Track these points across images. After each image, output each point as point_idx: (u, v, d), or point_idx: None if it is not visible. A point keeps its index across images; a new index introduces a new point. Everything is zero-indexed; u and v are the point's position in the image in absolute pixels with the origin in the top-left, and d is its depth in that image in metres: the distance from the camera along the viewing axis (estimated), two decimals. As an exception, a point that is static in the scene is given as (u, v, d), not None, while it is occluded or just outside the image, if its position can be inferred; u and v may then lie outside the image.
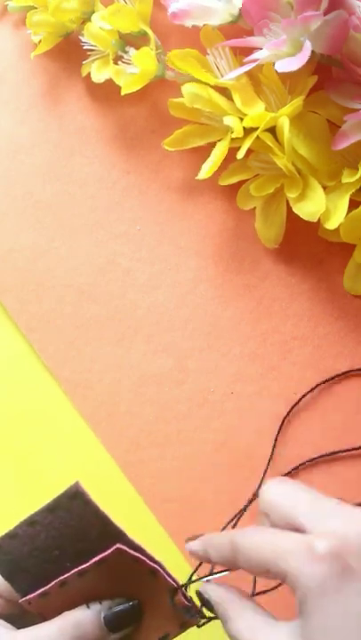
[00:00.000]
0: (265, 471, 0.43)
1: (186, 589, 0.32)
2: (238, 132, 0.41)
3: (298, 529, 0.27)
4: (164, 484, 0.44)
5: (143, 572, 0.32)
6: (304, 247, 0.45)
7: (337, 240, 0.41)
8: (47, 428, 0.47)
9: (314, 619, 0.24)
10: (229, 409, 0.44)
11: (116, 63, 0.47)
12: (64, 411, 0.47)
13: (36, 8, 0.50)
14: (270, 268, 0.45)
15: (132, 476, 0.45)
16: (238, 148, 0.41)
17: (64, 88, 0.51)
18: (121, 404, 0.46)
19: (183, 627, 0.32)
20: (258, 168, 0.43)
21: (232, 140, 0.42)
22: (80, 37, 0.49)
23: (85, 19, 0.49)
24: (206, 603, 0.30)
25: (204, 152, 0.43)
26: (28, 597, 0.32)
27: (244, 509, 0.42)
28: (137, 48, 0.46)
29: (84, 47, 0.48)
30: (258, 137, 0.41)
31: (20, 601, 0.32)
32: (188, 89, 0.42)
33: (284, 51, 0.40)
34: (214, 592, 0.30)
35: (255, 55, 0.40)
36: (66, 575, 0.32)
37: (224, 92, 0.43)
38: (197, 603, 0.31)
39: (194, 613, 0.32)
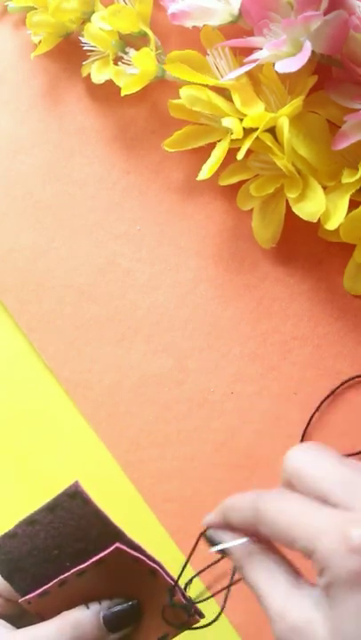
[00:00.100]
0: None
1: (185, 589, 0.32)
2: (238, 134, 0.41)
3: (328, 502, 0.25)
4: (164, 484, 0.44)
5: (142, 571, 0.32)
6: (304, 247, 0.45)
7: (337, 240, 0.41)
8: (47, 427, 0.47)
9: (342, 607, 0.23)
10: (229, 409, 0.44)
11: (116, 64, 0.47)
12: (64, 410, 0.47)
13: (36, 8, 0.50)
14: (270, 269, 0.45)
15: (133, 476, 0.45)
16: (238, 149, 0.41)
17: (64, 88, 0.51)
18: (121, 403, 0.46)
19: (182, 626, 0.32)
20: (258, 168, 0.43)
21: (232, 140, 0.42)
22: (80, 38, 0.49)
23: (85, 19, 0.49)
24: (220, 549, 0.29)
25: (204, 153, 0.43)
26: (27, 597, 0.32)
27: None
28: (137, 49, 0.46)
29: (84, 48, 0.48)
30: (258, 137, 0.41)
31: (20, 600, 0.32)
32: (186, 91, 0.42)
33: (285, 51, 0.40)
34: (229, 537, 0.28)
35: (255, 55, 0.40)
36: (65, 575, 0.32)
37: (224, 92, 0.43)
38: (193, 598, 0.31)
39: (193, 613, 0.32)
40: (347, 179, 0.40)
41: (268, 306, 0.45)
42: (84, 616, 0.31)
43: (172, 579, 0.32)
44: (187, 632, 0.32)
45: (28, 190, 0.50)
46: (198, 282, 0.46)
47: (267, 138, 0.41)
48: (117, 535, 0.32)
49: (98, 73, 0.48)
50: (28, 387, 0.48)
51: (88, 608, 0.32)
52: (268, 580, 0.26)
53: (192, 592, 0.32)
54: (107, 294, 0.47)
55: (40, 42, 0.51)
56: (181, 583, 0.32)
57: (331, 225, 0.40)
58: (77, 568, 0.31)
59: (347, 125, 0.40)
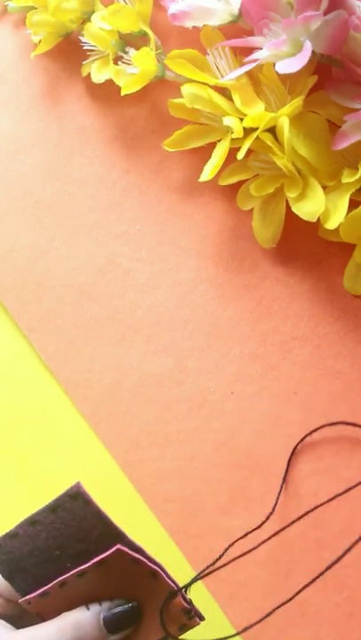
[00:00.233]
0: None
1: (186, 592, 0.32)
2: (238, 133, 0.41)
3: None
4: (164, 484, 0.44)
5: (143, 573, 0.32)
6: (304, 247, 0.45)
7: (337, 240, 0.41)
8: (47, 427, 0.47)
9: None
10: (229, 409, 0.44)
11: (116, 63, 0.47)
12: (64, 410, 0.47)
13: (36, 8, 0.50)
14: (270, 269, 0.45)
15: (132, 476, 0.45)
16: (238, 149, 0.41)
17: (64, 88, 0.51)
18: (121, 403, 0.46)
19: (182, 629, 0.32)
20: (258, 168, 0.43)
21: (232, 140, 0.42)
22: (80, 37, 0.49)
23: (85, 19, 0.49)
24: None
25: (205, 152, 0.43)
26: (27, 597, 0.32)
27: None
28: (137, 48, 0.46)
29: (84, 47, 0.48)
30: (258, 137, 0.41)
31: (20, 601, 0.32)
32: (187, 89, 0.42)
33: (285, 51, 0.40)
34: None
35: (255, 55, 0.40)
36: (66, 575, 0.32)
37: (224, 92, 0.43)
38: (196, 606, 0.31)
39: (193, 616, 0.32)
40: (347, 178, 0.40)
41: (268, 306, 0.45)
42: (84, 617, 0.31)
43: (174, 582, 0.32)
44: (187, 633, 0.32)
45: (28, 190, 0.50)
46: (198, 282, 0.46)
47: (267, 138, 0.41)
48: (118, 536, 0.32)
49: (98, 72, 0.48)
50: (27, 387, 0.48)
51: (88, 609, 0.32)
52: None
53: (192, 594, 0.32)
54: (107, 294, 0.47)
55: (40, 41, 0.51)
56: (181, 584, 0.32)
57: (331, 225, 0.40)
58: (78, 569, 0.31)
59: (347, 125, 0.40)
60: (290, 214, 0.41)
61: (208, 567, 0.32)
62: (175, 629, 0.32)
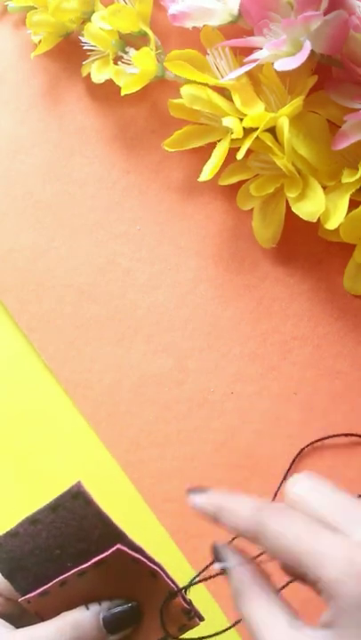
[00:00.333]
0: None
1: (186, 592, 0.32)
2: (238, 133, 0.41)
3: (328, 527, 0.25)
4: (164, 484, 0.44)
5: (143, 573, 0.32)
6: (304, 247, 0.45)
7: (337, 240, 0.41)
8: (47, 427, 0.47)
9: (351, 636, 0.23)
10: (229, 409, 0.44)
11: (116, 63, 0.47)
12: (64, 410, 0.47)
13: (36, 8, 0.50)
14: (270, 269, 0.45)
15: (133, 476, 0.45)
16: (238, 149, 0.41)
17: (64, 88, 0.51)
18: (121, 403, 0.46)
19: (182, 630, 0.32)
20: (258, 168, 0.43)
21: (232, 140, 0.42)
22: (80, 37, 0.49)
23: (85, 19, 0.49)
24: (222, 570, 0.28)
25: (204, 152, 0.43)
26: (27, 596, 0.32)
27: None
28: (137, 48, 0.46)
29: (84, 47, 0.48)
30: (258, 137, 0.41)
31: (20, 600, 0.32)
32: (186, 90, 0.42)
33: (284, 51, 0.40)
34: (231, 559, 0.28)
35: (255, 55, 0.40)
36: (66, 575, 0.32)
37: (224, 92, 0.43)
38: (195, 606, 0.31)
39: (193, 616, 0.32)
40: (347, 178, 0.40)
41: (268, 306, 0.45)
42: (83, 617, 0.31)
43: (174, 582, 0.32)
44: (187, 633, 0.32)
45: (28, 190, 0.50)
46: (198, 282, 0.46)
47: (267, 138, 0.41)
48: (119, 536, 0.32)
49: (98, 72, 0.48)
50: (27, 387, 0.48)
51: (88, 609, 0.31)
52: (267, 617, 0.25)
53: (192, 595, 0.32)
54: (107, 294, 0.47)
55: (40, 41, 0.51)
56: (181, 585, 0.32)
57: (331, 225, 0.40)
58: (78, 568, 0.31)
59: (347, 125, 0.40)
60: (290, 214, 0.41)
61: (207, 567, 0.32)
62: (175, 630, 0.32)
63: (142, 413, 0.45)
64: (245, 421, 0.44)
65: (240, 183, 0.44)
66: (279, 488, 0.42)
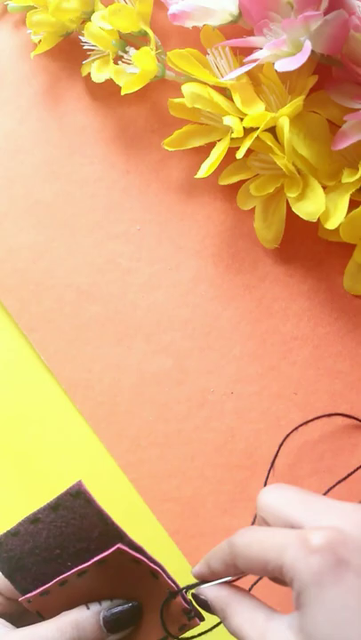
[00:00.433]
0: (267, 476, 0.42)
1: (186, 592, 0.32)
2: (238, 132, 0.41)
3: (294, 527, 0.27)
4: (164, 484, 0.44)
5: (143, 573, 0.32)
6: (304, 247, 0.45)
7: (337, 240, 0.41)
8: (47, 427, 0.47)
9: (312, 610, 0.25)
10: (229, 409, 0.44)
11: (116, 63, 0.47)
12: (64, 410, 0.47)
13: (36, 8, 0.50)
14: (270, 269, 0.45)
15: (132, 476, 0.45)
16: (238, 148, 0.41)
17: (64, 88, 0.51)
18: (121, 404, 0.46)
19: (182, 630, 0.32)
20: (258, 168, 0.43)
21: (232, 139, 0.42)
22: (80, 37, 0.49)
23: (85, 18, 0.49)
24: (203, 604, 0.30)
25: (205, 152, 0.43)
26: (28, 595, 0.32)
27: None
28: (137, 48, 0.46)
29: (84, 47, 0.48)
30: (258, 137, 0.41)
31: (20, 599, 0.32)
32: (188, 88, 0.42)
33: (285, 50, 0.40)
34: (211, 592, 0.30)
35: (255, 55, 0.40)
36: (66, 574, 0.32)
37: (224, 91, 0.43)
38: (196, 606, 0.31)
39: (193, 616, 0.32)
40: (347, 178, 0.40)
41: (268, 306, 0.45)
42: (84, 616, 0.31)
43: (174, 582, 0.32)
44: (187, 633, 0.32)
45: (28, 190, 0.50)
46: (198, 282, 0.46)
47: (267, 137, 0.41)
48: (119, 536, 0.32)
49: (98, 72, 0.48)
50: (27, 387, 0.48)
51: (88, 608, 0.31)
52: (248, 618, 0.28)
53: (192, 595, 0.32)
54: (107, 294, 0.47)
55: (40, 41, 0.51)
56: (182, 585, 0.32)
57: (331, 225, 0.40)
58: (78, 568, 0.31)
59: (347, 125, 0.40)
60: (290, 214, 0.41)
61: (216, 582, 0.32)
62: (175, 629, 0.32)
63: (142, 413, 0.45)
64: (245, 421, 0.44)
65: (240, 183, 0.44)
66: (268, 474, 0.42)
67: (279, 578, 0.27)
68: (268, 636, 0.26)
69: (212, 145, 0.44)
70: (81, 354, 0.47)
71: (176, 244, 0.47)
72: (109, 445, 0.46)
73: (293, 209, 0.41)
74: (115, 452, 0.45)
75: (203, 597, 0.30)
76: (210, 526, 0.43)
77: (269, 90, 0.42)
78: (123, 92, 0.46)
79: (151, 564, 0.31)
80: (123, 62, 0.46)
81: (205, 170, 0.42)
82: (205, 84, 0.42)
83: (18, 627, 0.32)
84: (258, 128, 0.40)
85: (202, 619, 0.32)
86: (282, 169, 0.41)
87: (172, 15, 0.43)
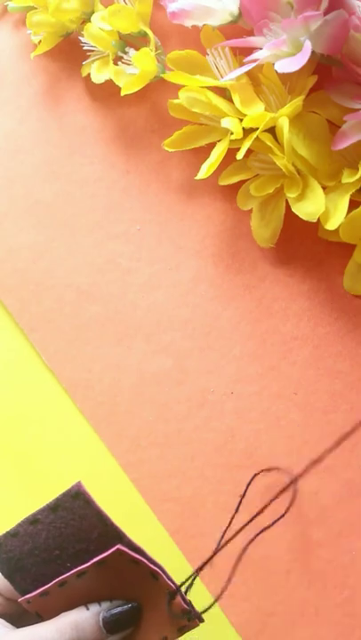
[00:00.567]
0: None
1: (186, 593, 0.32)
2: (238, 134, 0.41)
3: None
4: (164, 484, 0.44)
5: (143, 574, 0.32)
6: (303, 247, 0.45)
7: (337, 240, 0.41)
8: (47, 427, 0.47)
9: None
10: (229, 409, 0.44)
11: (115, 64, 0.47)
12: (65, 410, 0.47)
13: (36, 8, 0.50)
14: (270, 269, 0.45)
15: (132, 476, 0.45)
16: (238, 149, 0.41)
17: (64, 88, 0.51)
18: (121, 403, 0.46)
19: (181, 631, 0.32)
20: (258, 168, 0.43)
21: (232, 140, 0.42)
22: (80, 38, 0.49)
23: (85, 19, 0.49)
24: None
25: (205, 152, 0.43)
26: (27, 596, 0.32)
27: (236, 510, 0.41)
28: (137, 49, 0.46)
29: (84, 48, 0.48)
30: (258, 137, 0.41)
31: (20, 600, 0.32)
32: (185, 93, 0.42)
33: (285, 51, 0.40)
34: None
35: (255, 55, 0.40)
36: (65, 575, 0.32)
37: (223, 92, 0.43)
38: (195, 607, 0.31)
39: (193, 617, 0.32)
40: (347, 179, 0.40)
41: (268, 306, 0.45)
42: (83, 617, 0.31)
43: (174, 583, 0.32)
44: (187, 633, 0.32)
45: (28, 190, 0.50)
46: (198, 282, 0.46)
47: (267, 138, 0.41)
48: (118, 536, 0.32)
49: (98, 73, 0.48)
50: (28, 386, 0.48)
51: (88, 609, 0.31)
52: None
53: (192, 595, 0.32)
54: (107, 294, 0.47)
55: (40, 42, 0.51)
56: (182, 586, 0.32)
57: (331, 225, 0.40)
58: (78, 569, 0.31)
59: (347, 125, 0.40)
60: (290, 214, 0.41)
61: (204, 564, 0.32)
62: (174, 630, 0.32)
63: (142, 413, 0.45)
64: (245, 421, 0.44)
65: (240, 183, 0.44)
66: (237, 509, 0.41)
67: None
68: None
69: (212, 145, 0.44)
70: (81, 354, 0.47)
71: (176, 244, 0.47)
72: (109, 445, 0.46)
73: (293, 209, 0.41)
74: (115, 452, 0.45)
75: None
76: (210, 526, 0.43)
77: (269, 90, 0.42)
78: (122, 93, 0.46)
79: (151, 565, 0.31)
80: (122, 63, 0.46)
81: (205, 171, 0.42)
82: (204, 87, 0.42)
83: (17, 627, 0.32)
84: (258, 128, 0.40)
85: (201, 620, 0.32)
86: (282, 169, 0.41)
87: (171, 13, 0.43)
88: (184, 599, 0.31)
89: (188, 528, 0.43)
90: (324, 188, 0.40)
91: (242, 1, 0.41)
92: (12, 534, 0.32)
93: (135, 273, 0.47)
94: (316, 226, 0.42)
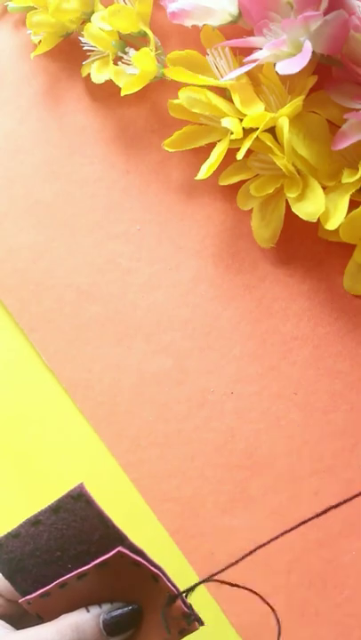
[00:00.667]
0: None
1: (186, 596, 0.32)
2: (238, 134, 0.41)
3: None
4: (164, 484, 0.44)
5: (144, 576, 0.32)
6: (303, 247, 0.45)
7: (337, 240, 0.41)
8: (47, 427, 0.47)
9: None
10: (229, 409, 0.44)
11: (115, 64, 0.47)
12: (65, 410, 0.47)
13: (36, 8, 0.50)
14: (270, 269, 0.45)
15: (133, 476, 0.45)
16: (238, 149, 0.41)
17: (64, 88, 0.51)
18: (121, 403, 0.46)
19: (181, 634, 0.32)
20: (258, 168, 0.43)
21: (232, 140, 0.42)
22: (80, 38, 0.49)
23: (85, 19, 0.49)
24: None
25: (205, 152, 0.43)
26: (28, 597, 0.32)
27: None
28: (137, 49, 0.46)
29: (84, 48, 0.48)
30: (258, 137, 0.41)
31: (20, 601, 0.32)
32: (184, 93, 0.42)
33: (285, 51, 0.40)
34: None
35: (255, 55, 0.40)
36: (66, 576, 0.32)
37: (223, 92, 0.43)
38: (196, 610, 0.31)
39: (193, 620, 0.32)
40: (347, 179, 0.40)
41: (268, 306, 0.45)
42: (83, 619, 0.31)
43: (175, 586, 0.32)
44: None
45: (28, 190, 0.50)
46: (198, 282, 0.46)
47: (267, 138, 0.41)
48: (120, 539, 0.32)
49: (98, 73, 0.48)
50: (28, 387, 0.48)
51: (88, 611, 0.31)
52: None
53: (193, 599, 0.32)
54: (107, 294, 0.47)
55: (40, 42, 0.51)
56: (181, 585, 0.32)
57: (331, 225, 0.40)
58: (79, 570, 0.31)
59: (347, 125, 0.40)
60: (290, 214, 0.41)
61: (213, 575, 0.32)
62: (175, 633, 0.32)
63: (142, 413, 0.45)
64: (245, 421, 0.44)
65: (240, 183, 0.44)
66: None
67: None
68: None
69: (212, 145, 0.44)
70: (81, 354, 0.47)
71: (176, 244, 0.47)
72: (110, 445, 0.46)
73: (293, 209, 0.41)
74: (115, 452, 0.45)
75: None
76: (210, 526, 0.43)
77: (269, 90, 0.42)
78: (122, 93, 0.46)
79: (152, 568, 0.31)
80: (122, 63, 0.46)
81: (205, 171, 0.42)
82: (204, 85, 0.42)
83: (18, 629, 0.32)
84: (258, 128, 0.40)
85: (201, 623, 0.32)
86: (282, 169, 0.41)
87: (171, 14, 0.43)
88: (185, 602, 0.31)
89: (188, 528, 0.43)
90: (324, 187, 0.40)
91: (242, 1, 0.41)
92: (14, 535, 0.32)
93: (135, 273, 0.47)
94: (316, 226, 0.42)
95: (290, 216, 0.41)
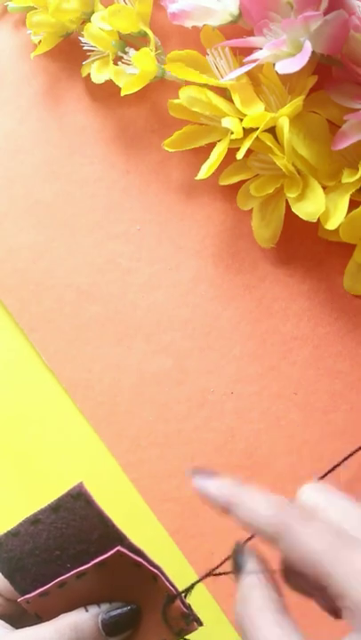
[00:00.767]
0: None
1: (185, 596, 0.32)
2: (238, 134, 0.41)
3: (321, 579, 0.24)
4: (164, 484, 0.44)
5: (143, 576, 0.32)
6: (303, 247, 0.45)
7: (337, 240, 0.41)
8: (48, 427, 0.47)
9: None
10: (229, 409, 0.44)
11: (115, 64, 0.47)
12: (65, 410, 0.47)
13: (36, 8, 0.50)
14: (270, 269, 0.45)
15: (132, 476, 0.45)
16: (238, 149, 0.41)
17: (64, 88, 0.51)
18: (121, 403, 0.46)
19: (180, 634, 0.32)
20: (258, 168, 0.43)
21: (232, 140, 0.42)
22: (80, 38, 0.49)
23: (85, 19, 0.49)
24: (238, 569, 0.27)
25: (205, 152, 0.43)
26: (27, 596, 0.32)
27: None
28: (137, 49, 0.46)
29: (84, 48, 0.48)
30: (258, 137, 0.41)
31: (19, 600, 0.32)
32: (185, 92, 0.42)
33: (285, 51, 0.40)
34: (213, 484, 0.27)
35: (255, 55, 0.40)
36: (65, 576, 0.32)
37: (223, 92, 0.43)
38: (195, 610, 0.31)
39: (191, 621, 0.32)
40: (347, 179, 0.40)
41: (268, 306, 0.45)
42: (82, 619, 0.31)
43: (173, 586, 0.32)
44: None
45: (28, 190, 0.50)
46: (198, 282, 0.46)
47: (267, 138, 0.41)
48: (119, 538, 0.32)
49: (98, 73, 0.48)
50: (28, 386, 0.48)
51: (87, 611, 0.31)
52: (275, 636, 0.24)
53: (192, 599, 0.32)
54: (107, 294, 0.47)
55: (40, 42, 0.51)
56: (181, 585, 0.32)
57: (331, 225, 0.40)
58: (78, 570, 0.31)
59: (347, 125, 0.40)
60: (290, 214, 0.41)
61: (210, 572, 0.32)
62: (173, 634, 0.32)
63: (142, 413, 0.45)
64: (245, 421, 0.44)
65: (240, 183, 0.44)
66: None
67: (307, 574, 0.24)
68: None
69: (212, 145, 0.44)
70: (81, 354, 0.47)
71: (176, 244, 0.47)
72: (110, 445, 0.46)
73: (293, 209, 0.41)
74: (115, 452, 0.45)
75: (239, 560, 0.26)
76: (210, 526, 0.43)
77: (269, 90, 0.42)
78: (123, 93, 0.46)
79: (151, 568, 0.31)
80: (122, 63, 0.46)
81: (205, 171, 0.42)
82: (204, 85, 0.42)
83: (17, 628, 0.32)
84: (258, 128, 0.40)
85: (200, 623, 0.32)
86: (282, 169, 0.41)
87: (171, 14, 0.43)
88: (183, 602, 0.31)
89: (188, 528, 0.43)
90: (324, 187, 0.40)
91: (242, 1, 0.41)
92: (13, 534, 0.32)
93: (135, 273, 0.47)
94: (316, 226, 0.42)
95: (290, 216, 0.41)
